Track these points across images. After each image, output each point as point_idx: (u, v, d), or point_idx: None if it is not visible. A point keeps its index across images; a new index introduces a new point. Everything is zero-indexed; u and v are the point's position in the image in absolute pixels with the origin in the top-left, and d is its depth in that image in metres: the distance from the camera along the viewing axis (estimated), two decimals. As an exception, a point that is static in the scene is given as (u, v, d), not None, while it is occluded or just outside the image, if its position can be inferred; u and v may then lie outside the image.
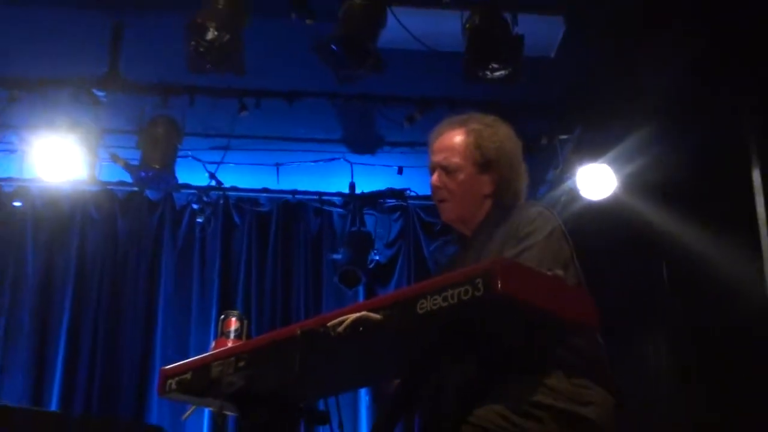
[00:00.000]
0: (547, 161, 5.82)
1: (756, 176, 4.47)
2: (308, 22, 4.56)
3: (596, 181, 5.42)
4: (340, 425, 2.39)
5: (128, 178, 5.87)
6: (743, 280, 4.44)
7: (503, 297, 1.88)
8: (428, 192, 2.80)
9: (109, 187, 6.37)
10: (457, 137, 2.68)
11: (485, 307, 1.92)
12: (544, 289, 2.02)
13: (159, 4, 4.77)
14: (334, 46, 4.44)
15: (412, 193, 6.63)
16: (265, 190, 6.59)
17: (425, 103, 5.45)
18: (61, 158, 5.42)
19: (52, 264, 6.29)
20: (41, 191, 6.25)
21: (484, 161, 2.65)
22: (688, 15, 4.39)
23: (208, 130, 5.77)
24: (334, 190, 6.60)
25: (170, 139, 5.43)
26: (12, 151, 5.78)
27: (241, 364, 2.28)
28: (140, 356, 6.14)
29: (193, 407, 2.67)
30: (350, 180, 6.41)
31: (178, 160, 5.54)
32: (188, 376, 2.40)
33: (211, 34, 4.43)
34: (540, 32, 4.83)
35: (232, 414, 2.55)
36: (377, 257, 6.51)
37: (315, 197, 6.65)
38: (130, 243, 6.43)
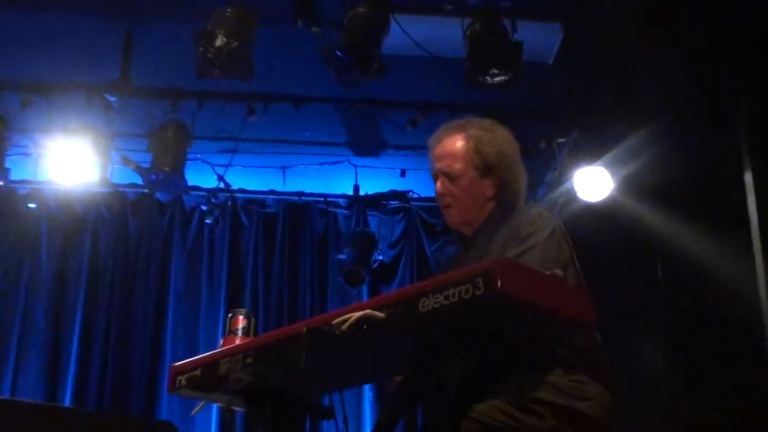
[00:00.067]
0: (546, 164, 5.82)
1: (748, 177, 4.47)
2: (314, 29, 4.56)
3: (593, 183, 5.41)
4: (345, 420, 2.39)
5: (139, 181, 5.87)
6: (736, 279, 4.43)
7: (503, 296, 1.88)
8: (430, 194, 2.81)
9: (120, 189, 6.37)
10: (458, 143, 2.68)
11: (485, 306, 1.92)
12: (543, 288, 2.02)
13: (169, 13, 4.77)
14: (339, 53, 4.44)
15: (415, 195, 6.63)
16: (272, 192, 6.59)
17: (427, 108, 5.45)
18: (74, 161, 5.42)
19: (66, 264, 6.30)
20: (55, 193, 6.26)
21: (485, 166, 2.65)
22: (683, 20, 4.38)
23: (216, 133, 5.77)
24: (339, 192, 6.60)
25: (180, 143, 5.43)
26: (26, 155, 5.78)
27: (249, 360, 2.28)
28: (151, 353, 6.14)
29: (203, 403, 2.67)
30: (355, 182, 6.41)
31: (188, 162, 5.55)
32: (197, 372, 2.41)
33: (219, 41, 4.44)
34: (538, 39, 4.83)
35: (240, 409, 2.55)
36: (381, 257, 6.50)
37: (320, 199, 6.65)
38: (140, 243, 6.43)
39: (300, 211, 6.66)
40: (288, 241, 6.58)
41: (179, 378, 2.45)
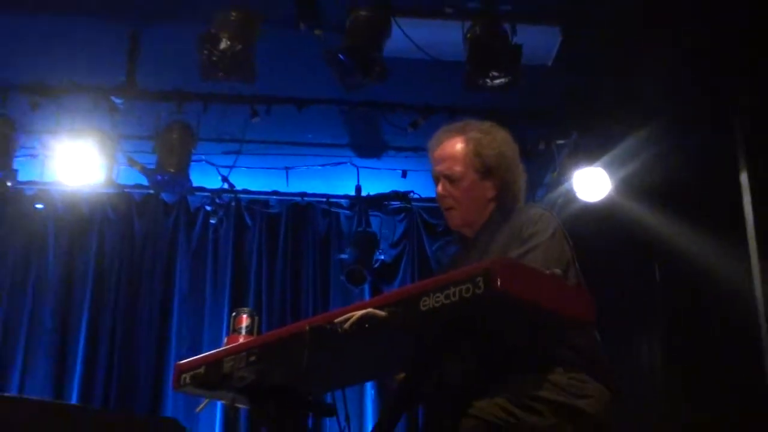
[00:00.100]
0: (545, 165, 5.82)
1: (744, 178, 4.46)
2: (316, 32, 4.57)
3: (591, 183, 5.41)
4: (347, 417, 2.39)
5: (145, 182, 5.88)
6: (732, 279, 4.43)
7: (503, 294, 1.88)
8: (431, 194, 2.81)
9: (126, 190, 6.38)
10: (458, 146, 2.68)
11: (486, 305, 1.92)
12: (543, 288, 2.02)
13: (174, 16, 4.78)
14: (341, 56, 4.44)
15: (416, 196, 6.63)
16: (275, 192, 6.59)
17: (428, 110, 5.45)
18: (81, 162, 5.42)
19: (72, 264, 6.30)
20: (61, 194, 6.26)
21: (485, 168, 2.65)
22: (682, 21, 4.37)
23: (220, 135, 5.78)
24: (341, 193, 6.60)
25: (185, 144, 5.44)
26: (34, 156, 5.78)
27: (252, 359, 2.28)
28: (156, 352, 6.15)
29: (207, 400, 2.67)
30: (356, 183, 6.41)
31: (192, 164, 5.55)
32: (202, 370, 2.41)
33: (223, 44, 4.45)
34: (538, 42, 4.82)
35: (244, 407, 2.55)
36: (382, 257, 6.50)
37: (323, 199, 6.65)
38: (146, 243, 6.43)
39: (303, 211, 6.66)
40: (291, 241, 6.58)
41: (184, 376, 2.45)
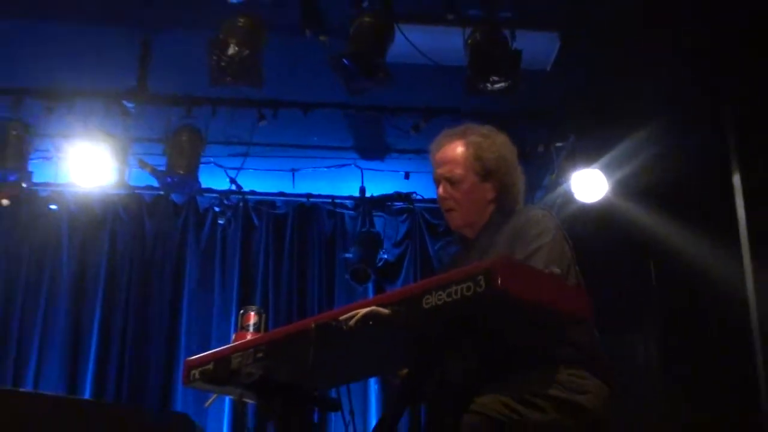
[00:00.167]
0: (544, 167, 5.81)
1: (736, 180, 4.45)
2: (322, 38, 4.56)
3: (589, 185, 5.40)
4: (351, 412, 2.39)
5: (155, 183, 5.88)
6: (727, 278, 4.42)
7: (503, 293, 1.88)
8: (433, 195, 2.80)
9: (137, 191, 6.38)
10: (458, 149, 2.68)
11: (487, 303, 1.92)
12: (542, 286, 2.02)
13: (183, 23, 4.78)
14: (345, 61, 4.44)
15: (418, 197, 6.62)
16: (282, 194, 6.59)
17: (430, 113, 5.45)
18: (93, 164, 5.43)
19: (85, 262, 6.31)
20: (75, 195, 6.26)
21: (485, 170, 2.66)
22: (679, 23, 4.36)
23: (228, 138, 5.77)
24: (345, 194, 6.60)
25: (194, 147, 5.44)
26: (48, 158, 5.79)
27: (260, 355, 2.28)
28: (166, 348, 6.15)
29: (215, 395, 2.67)
30: (361, 184, 6.41)
31: (201, 166, 5.55)
32: (210, 366, 2.41)
33: (231, 50, 4.45)
34: (537, 48, 4.82)
35: (251, 401, 2.55)
36: (386, 256, 6.50)
37: (328, 200, 6.65)
38: (156, 243, 6.44)
39: (308, 212, 6.66)
40: (297, 241, 6.58)
41: (193, 372, 2.46)
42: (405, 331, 2.07)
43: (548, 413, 2.26)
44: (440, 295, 1.94)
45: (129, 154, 5.51)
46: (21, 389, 5.52)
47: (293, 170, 6.31)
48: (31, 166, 5.50)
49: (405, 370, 2.43)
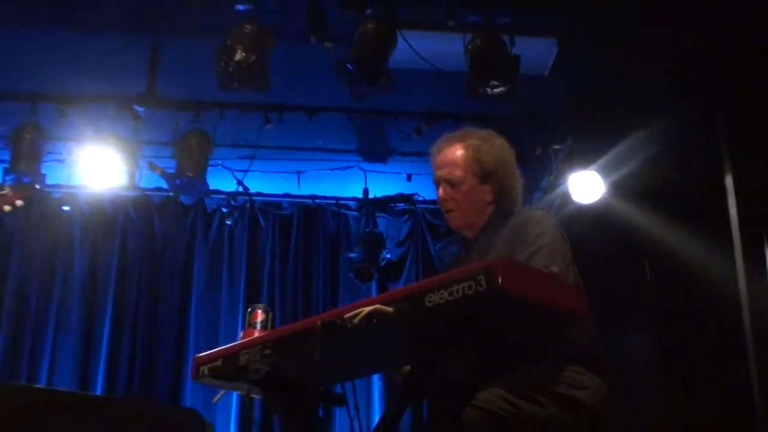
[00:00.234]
0: (542, 169, 5.81)
1: (729, 181, 4.44)
2: (326, 44, 4.57)
3: (586, 186, 5.40)
4: (356, 407, 2.39)
5: (164, 185, 5.88)
6: (718, 276, 4.41)
7: (504, 291, 1.88)
8: (434, 196, 2.80)
9: (147, 192, 6.38)
10: (458, 152, 2.69)
11: (487, 301, 1.92)
12: (542, 285, 2.03)
13: (192, 29, 4.78)
14: (349, 66, 4.44)
15: (420, 198, 6.62)
16: (288, 195, 6.59)
17: (432, 117, 5.45)
18: (105, 167, 5.44)
19: (97, 262, 6.31)
20: (87, 197, 6.26)
21: (484, 173, 2.66)
22: (668, 29, 4.36)
23: (236, 141, 5.78)
24: (349, 195, 6.59)
25: (202, 150, 5.45)
26: (61, 161, 5.80)
27: (267, 352, 2.28)
28: (175, 346, 6.14)
29: (223, 391, 2.67)
30: (364, 186, 6.41)
31: (209, 168, 5.55)
32: (219, 363, 2.41)
33: (239, 56, 4.45)
34: (535, 53, 4.82)
35: (258, 397, 2.55)
36: (388, 255, 6.50)
37: (332, 201, 6.65)
38: (166, 243, 6.44)
39: (313, 213, 6.66)
40: (302, 241, 6.58)
41: (202, 368, 2.46)
42: (408, 329, 2.07)
43: (546, 408, 2.26)
44: (442, 293, 1.94)
45: (139, 156, 5.52)
46: (35, 385, 5.52)
47: (298, 172, 6.31)
48: (45, 168, 5.51)
49: (408, 367, 2.43)
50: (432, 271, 6.22)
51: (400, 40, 4.58)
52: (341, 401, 2.48)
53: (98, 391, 5.88)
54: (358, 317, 2.03)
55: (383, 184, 6.46)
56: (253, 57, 4.46)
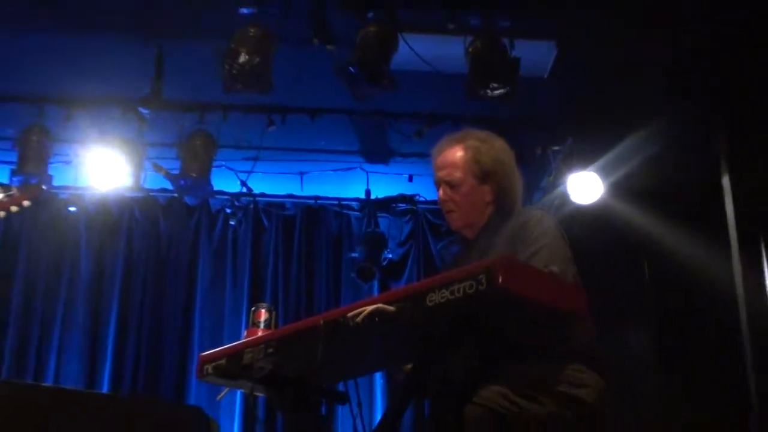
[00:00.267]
0: (541, 170, 5.80)
1: (725, 182, 4.44)
2: (329, 47, 4.57)
3: (585, 187, 5.40)
4: (358, 405, 2.39)
5: (169, 186, 5.89)
6: (715, 276, 4.40)
7: (504, 291, 1.88)
8: (435, 197, 2.80)
9: (152, 193, 6.39)
10: (457, 154, 2.69)
11: (488, 300, 1.92)
12: (541, 284, 2.03)
13: (196, 33, 4.79)
14: (352, 69, 4.45)
15: (421, 198, 6.62)
16: (291, 196, 6.59)
17: (433, 119, 5.45)
18: (111, 168, 5.44)
19: (103, 262, 6.31)
20: (93, 198, 6.26)
21: (483, 173, 2.66)
22: (665, 30, 4.35)
23: (239, 142, 5.78)
24: (351, 196, 6.60)
25: (206, 151, 5.45)
26: (67, 163, 5.80)
27: (270, 350, 2.28)
28: (180, 344, 6.15)
29: (227, 389, 2.68)
30: (366, 187, 6.41)
31: (214, 169, 5.55)
32: (223, 361, 2.41)
33: (242, 58, 4.46)
34: (534, 56, 4.82)
35: (262, 395, 2.55)
36: (390, 255, 6.50)
37: (335, 202, 6.65)
38: (170, 243, 6.44)
39: (316, 213, 6.66)
40: (305, 241, 6.58)
41: (206, 366, 2.46)
42: (409, 328, 2.07)
43: (548, 406, 2.25)
44: (443, 293, 1.94)
45: (144, 158, 5.52)
46: (42, 384, 5.53)
47: (301, 173, 6.31)
48: (52, 169, 5.51)
49: (409, 366, 2.43)
50: (433, 270, 6.21)
51: (401, 42, 4.58)
52: (344, 399, 2.47)
53: (104, 390, 5.88)
54: (361, 316, 2.03)
55: (385, 185, 6.46)
56: (257, 60, 4.46)
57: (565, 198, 5.52)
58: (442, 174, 2.70)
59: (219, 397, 2.77)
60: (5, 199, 2.98)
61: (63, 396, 3.43)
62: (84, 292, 6.20)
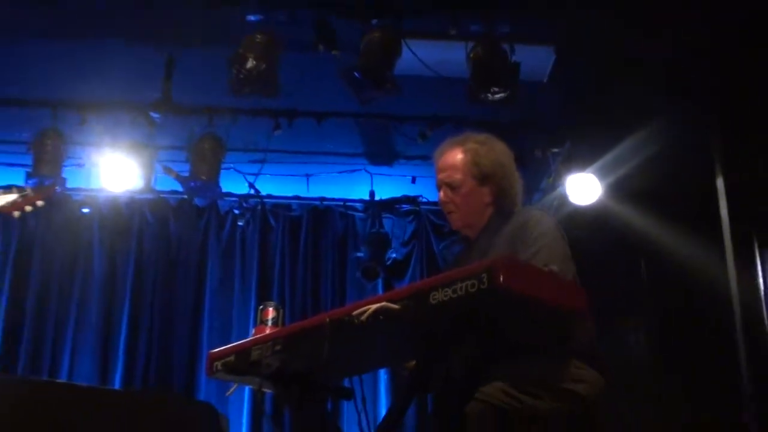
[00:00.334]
0: (541, 171, 5.80)
1: (720, 183, 4.43)
2: (334, 52, 4.57)
3: (583, 188, 5.39)
4: (363, 400, 2.39)
5: (179, 188, 5.90)
6: (710, 275, 4.39)
7: (505, 289, 1.88)
8: (437, 198, 2.80)
9: (162, 195, 6.39)
10: (458, 156, 2.69)
11: (489, 299, 1.92)
12: (541, 283, 2.02)
13: (206, 39, 4.79)
14: (356, 73, 4.45)
15: (424, 200, 6.61)
16: (297, 197, 6.59)
17: (435, 122, 5.44)
18: (122, 171, 5.45)
19: (115, 262, 6.32)
20: (105, 199, 6.28)
21: (482, 175, 2.66)
22: (660, 34, 4.34)
23: (247, 145, 5.78)
24: (356, 197, 6.60)
25: (215, 154, 5.45)
26: (81, 165, 5.81)
27: (278, 348, 2.28)
28: (190, 342, 6.15)
29: (236, 385, 2.67)
30: (370, 188, 6.41)
31: (222, 171, 5.56)
32: (232, 358, 2.41)
33: (250, 64, 4.46)
34: (534, 61, 4.81)
35: (270, 391, 2.55)
36: (394, 255, 6.50)
37: (340, 203, 6.65)
38: (180, 244, 6.45)
39: (322, 214, 6.66)
40: (311, 242, 6.58)
41: (216, 363, 2.46)
42: (413, 326, 2.07)
43: (546, 401, 2.25)
44: (446, 291, 1.94)
45: (155, 161, 5.53)
46: (57, 380, 5.54)
47: (307, 175, 6.31)
48: (65, 172, 5.52)
49: (413, 362, 2.43)
50: (436, 269, 6.22)
51: (404, 48, 4.58)
52: (349, 395, 2.47)
53: (117, 386, 5.88)
54: (365, 314, 2.03)
55: (389, 187, 6.45)
56: (264, 65, 4.47)
57: (563, 199, 5.51)
58: (442, 176, 2.70)
59: (228, 393, 2.77)
60: (20, 199, 2.99)
61: (77, 392, 3.44)
62: (97, 291, 6.20)
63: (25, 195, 3.02)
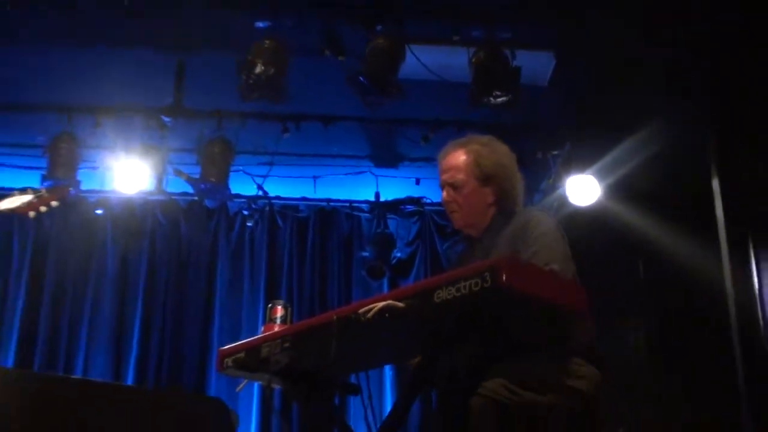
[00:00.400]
0: (541, 173, 5.79)
1: (715, 184, 4.41)
2: (340, 58, 4.58)
3: (583, 189, 5.38)
4: (369, 396, 2.39)
5: (190, 190, 5.90)
6: (706, 275, 4.37)
7: (507, 288, 1.88)
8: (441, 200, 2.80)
9: (174, 197, 6.40)
10: (460, 157, 2.69)
11: (492, 297, 1.92)
12: (543, 282, 2.02)
13: (215, 45, 4.80)
14: (362, 78, 4.45)
15: (428, 200, 6.62)
16: (304, 198, 6.60)
17: (438, 125, 5.45)
18: (135, 173, 5.47)
19: (127, 261, 6.34)
20: (119, 201, 6.29)
21: (484, 176, 2.66)
22: (659, 38, 4.33)
23: (256, 148, 5.78)
24: (362, 199, 6.60)
25: (225, 157, 5.46)
26: (95, 168, 5.82)
27: (286, 345, 2.29)
28: (200, 339, 6.16)
29: (246, 381, 2.68)
30: (376, 190, 6.41)
31: (231, 174, 5.57)
32: (242, 355, 2.42)
33: (259, 69, 4.47)
34: (534, 65, 4.81)
35: (279, 387, 2.55)
36: (399, 254, 6.50)
37: (346, 204, 6.66)
38: (191, 244, 6.45)
39: (328, 215, 6.67)
40: (318, 242, 6.59)
41: (226, 360, 2.46)
42: (418, 323, 2.07)
43: (546, 396, 2.25)
44: (450, 290, 1.94)
45: (166, 163, 5.54)
46: (72, 376, 5.54)
47: (314, 177, 6.32)
48: (80, 175, 5.53)
49: (418, 359, 2.43)
50: (440, 269, 6.22)
51: (408, 53, 4.58)
52: (356, 390, 2.48)
53: (129, 382, 5.89)
54: (371, 312, 2.03)
55: (394, 188, 6.46)
56: (272, 70, 4.48)
57: (564, 200, 5.50)
58: (446, 177, 2.70)
59: (238, 389, 2.77)
60: (35, 200, 3.00)
61: (91, 388, 3.44)
62: (110, 291, 6.21)
63: (40, 196, 3.03)
